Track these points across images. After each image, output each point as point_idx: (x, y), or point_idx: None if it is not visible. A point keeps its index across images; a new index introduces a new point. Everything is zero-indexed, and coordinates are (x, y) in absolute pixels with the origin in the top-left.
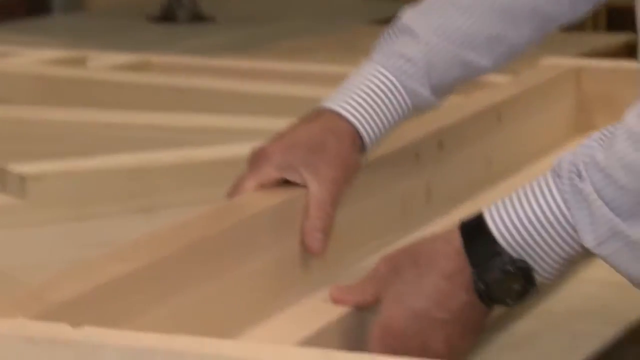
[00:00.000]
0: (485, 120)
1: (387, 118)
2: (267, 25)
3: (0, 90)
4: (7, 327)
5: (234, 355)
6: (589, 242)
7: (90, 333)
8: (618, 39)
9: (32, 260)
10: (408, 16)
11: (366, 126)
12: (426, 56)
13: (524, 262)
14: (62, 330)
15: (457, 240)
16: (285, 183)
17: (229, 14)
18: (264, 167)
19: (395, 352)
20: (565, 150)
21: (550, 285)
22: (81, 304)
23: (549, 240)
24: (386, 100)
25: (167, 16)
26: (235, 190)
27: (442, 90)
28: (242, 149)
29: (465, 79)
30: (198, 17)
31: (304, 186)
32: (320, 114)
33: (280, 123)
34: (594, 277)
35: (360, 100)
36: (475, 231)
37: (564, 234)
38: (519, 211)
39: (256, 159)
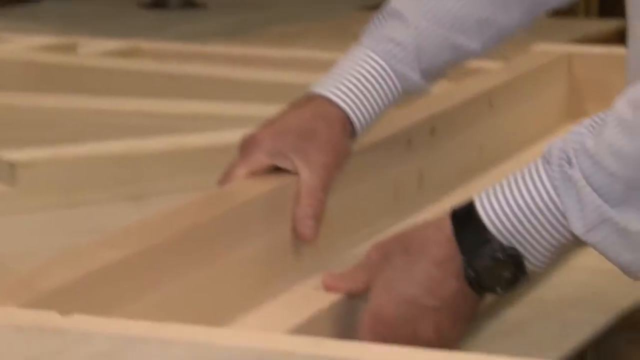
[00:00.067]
0: (476, 107)
1: (377, 103)
2: (258, 11)
3: None
4: None
5: (224, 343)
6: (578, 229)
7: (80, 321)
8: (610, 25)
9: (21, 248)
10: (397, 0)
11: (356, 111)
12: (416, 40)
13: (514, 249)
14: (51, 318)
15: (448, 227)
16: (276, 169)
17: (220, 0)
18: (254, 154)
19: (385, 340)
20: (557, 136)
21: (541, 273)
22: (71, 291)
23: (539, 227)
24: (376, 85)
25: (158, 2)
26: (226, 177)
27: (432, 74)
28: (233, 136)
29: (455, 62)
30: (189, 4)
31: (295, 173)
32: (310, 100)
33: (270, 109)
34: (585, 264)
35: (350, 86)
36: (465, 218)
37: (553, 221)
38: (509, 198)
39: (246, 145)
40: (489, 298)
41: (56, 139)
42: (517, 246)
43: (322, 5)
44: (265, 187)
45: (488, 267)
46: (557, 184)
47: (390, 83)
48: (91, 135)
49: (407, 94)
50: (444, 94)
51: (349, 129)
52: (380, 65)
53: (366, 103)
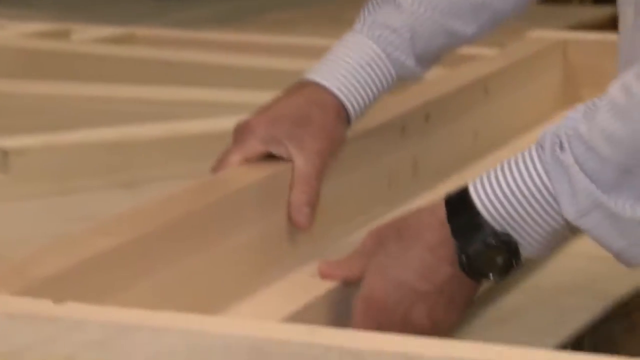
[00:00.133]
0: (472, 94)
1: (371, 89)
2: None
3: None
4: None
5: (218, 332)
6: (570, 214)
7: (73, 309)
8: (604, 11)
9: (14, 235)
10: None
11: (351, 98)
12: (410, 25)
13: (508, 235)
14: (44, 306)
15: (442, 213)
16: (270, 157)
17: None
18: (248, 141)
19: (378, 325)
20: (552, 123)
21: (537, 260)
22: (64, 279)
23: (532, 212)
24: (370, 72)
25: None
26: (220, 164)
27: (426, 60)
28: (227, 123)
29: (450, 47)
30: None
31: (289, 160)
32: (305, 87)
33: (265, 96)
34: (582, 251)
35: (344, 72)
36: (459, 204)
37: (546, 206)
38: (502, 183)
39: (241, 132)
40: (485, 285)
41: (49, 126)
42: (511, 232)
43: None
44: (260, 175)
45: (480, 253)
46: (549, 169)
47: (384, 69)
48: (84, 122)
49: (401, 80)
50: (439, 81)
51: (343, 115)
52: (375, 52)
53: (360, 90)
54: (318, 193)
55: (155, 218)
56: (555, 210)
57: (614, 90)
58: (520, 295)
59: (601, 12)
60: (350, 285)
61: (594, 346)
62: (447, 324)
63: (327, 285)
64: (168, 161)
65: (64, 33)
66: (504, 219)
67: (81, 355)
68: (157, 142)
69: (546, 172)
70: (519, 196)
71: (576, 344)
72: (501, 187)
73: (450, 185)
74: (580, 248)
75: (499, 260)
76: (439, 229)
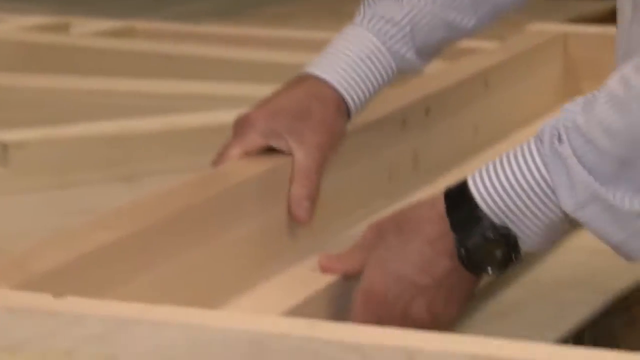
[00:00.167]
0: (472, 87)
1: (372, 83)
2: None
3: None
4: None
5: (218, 326)
6: (568, 206)
7: (72, 303)
8: (605, 4)
9: (14, 229)
10: None
11: (351, 92)
12: (410, 18)
13: (507, 228)
14: (43, 300)
15: (441, 206)
16: (270, 150)
17: None
18: (248, 134)
19: (378, 319)
20: (552, 116)
21: (537, 254)
22: (64, 273)
23: (530, 205)
24: (371, 65)
25: None
26: (220, 158)
27: (426, 53)
28: (227, 116)
29: (451, 40)
30: None
31: (289, 153)
32: (304, 80)
33: (264, 89)
34: (582, 245)
35: (344, 66)
36: (458, 197)
37: (544, 198)
38: (501, 176)
39: (241, 125)
40: (485, 279)
41: (49, 120)
42: (510, 225)
43: None
44: (260, 168)
45: (479, 246)
46: (547, 161)
47: (384, 62)
48: (83, 116)
49: (401, 74)
50: (439, 74)
51: (343, 109)
52: (375, 45)
53: (361, 83)
54: (318, 187)
55: (155, 212)
56: (553, 202)
57: (613, 82)
58: (521, 289)
59: (602, 5)
60: (350, 279)
61: (594, 340)
62: (446, 317)
63: (328, 279)
64: (168, 154)
65: (63, 26)
66: (502, 212)
67: (81, 349)
68: (157, 135)
69: (545, 165)
70: (518, 189)
71: (577, 338)
72: (500, 180)
73: (450, 179)
74: (581, 242)
75: (498, 253)
76: (438, 223)
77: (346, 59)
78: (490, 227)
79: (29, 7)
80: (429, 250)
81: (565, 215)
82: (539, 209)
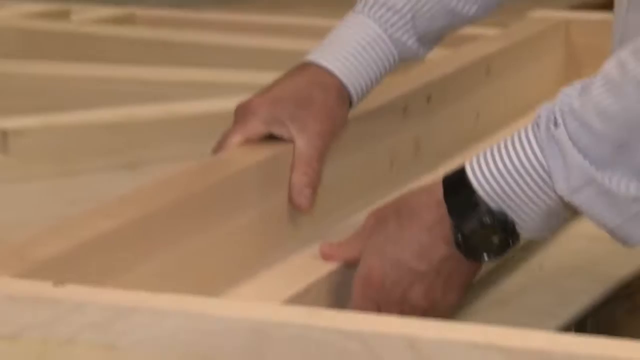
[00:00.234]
0: (473, 74)
1: (373, 70)
2: None
3: None
4: None
5: (218, 314)
6: (563, 190)
7: (73, 291)
8: None
9: (14, 217)
10: None
11: (352, 79)
12: (412, 5)
13: (504, 214)
14: (44, 288)
15: (439, 192)
16: (271, 137)
17: None
18: (250, 122)
19: (376, 305)
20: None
21: (538, 241)
22: (65, 261)
23: (527, 190)
24: (372, 53)
25: None
26: (221, 145)
27: (428, 40)
28: (228, 103)
29: (452, 27)
30: None
31: (290, 141)
32: (306, 68)
33: (266, 77)
34: (583, 232)
35: (346, 54)
36: (456, 183)
37: (541, 183)
38: (498, 161)
39: (242, 113)
40: (486, 266)
41: (49, 107)
42: (507, 210)
43: None
44: (261, 156)
45: (476, 231)
46: (544, 146)
47: (386, 50)
48: (85, 103)
49: (403, 61)
50: (441, 61)
51: (345, 97)
52: (376, 32)
53: (362, 71)
54: (319, 175)
55: (156, 199)
56: (550, 187)
57: (609, 66)
58: (522, 276)
59: None
60: (351, 266)
61: (597, 328)
62: (445, 304)
63: (328, 267)
64: (169, 142)
65: (63, 13)
66: (499, 197)
67: (82, 337)
68: (158, 123)
69: (541, 149)
70: (515, 174)
71: (579, 325)
72: (497, 166)
73: (452, 166)
74: (581, 229)
75: (495, 239)
76: (435, 208)
77: (348, 47)
78: (488, 213)
79: None
80: (427, 236)
81: (562, 200)
82: (536, 194)
